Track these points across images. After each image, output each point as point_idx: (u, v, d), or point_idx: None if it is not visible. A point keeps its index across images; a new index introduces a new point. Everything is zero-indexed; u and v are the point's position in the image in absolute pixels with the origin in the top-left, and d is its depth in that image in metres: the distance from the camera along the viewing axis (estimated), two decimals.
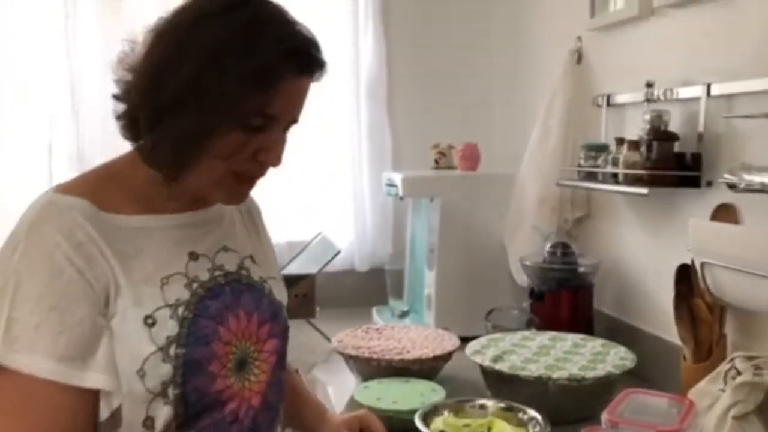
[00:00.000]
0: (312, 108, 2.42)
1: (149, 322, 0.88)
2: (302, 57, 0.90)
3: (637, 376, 1.53)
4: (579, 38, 1.91)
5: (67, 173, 2.16)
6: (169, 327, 0.89)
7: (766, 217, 1.23)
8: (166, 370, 0.88)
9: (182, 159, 0.90)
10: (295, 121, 0.95)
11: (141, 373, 0.87)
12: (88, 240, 0.86)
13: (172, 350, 0.88)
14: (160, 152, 0.91)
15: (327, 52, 0.94)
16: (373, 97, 2.39)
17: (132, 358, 0.87)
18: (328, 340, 1.84)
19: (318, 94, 2.48)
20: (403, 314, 2.16)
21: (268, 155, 0.91)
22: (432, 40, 2.45)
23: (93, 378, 0.84)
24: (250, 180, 0.95)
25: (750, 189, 1.20)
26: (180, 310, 0.90)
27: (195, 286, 0.93)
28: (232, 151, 0.90)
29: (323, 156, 2.39)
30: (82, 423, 0.85)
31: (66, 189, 0.90)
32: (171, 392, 0.88)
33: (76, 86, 2.16)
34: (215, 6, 0.88)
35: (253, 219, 1.13)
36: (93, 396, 0.86)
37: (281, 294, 1.08)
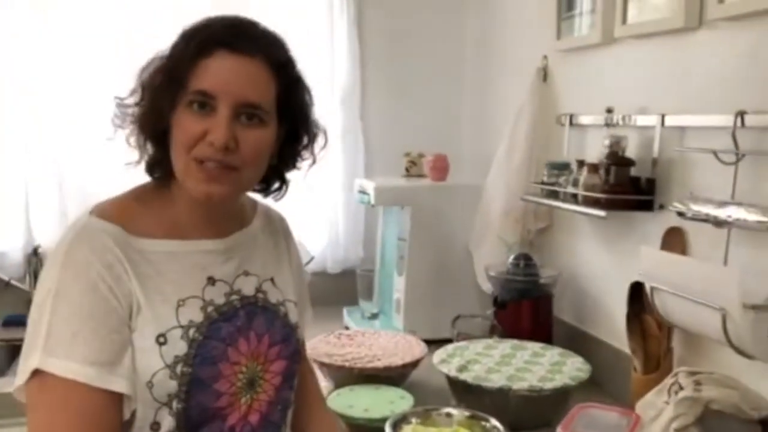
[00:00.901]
0: None
1: (161, 340, 0.97)
2: (206, 37, 0.98)
3: (593, 383, 1.64)
4: (545, 57, 2.00)
5: (45, 175, 2.21)
6: (178, 347, 0.97)
7: (711, 242, 1.34)
8: (172, 385, 0.96)
9: (157, 155, 1.02)
10: (247, 104, 0.98)
11: (150, 385, 0.95)
12: (116, 261, 0.96)
13: (179, 369, 0.97)
14: (144, 157, 1.03)
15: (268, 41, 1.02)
16: (347, 105, 2.45)
17: (144, 370, 0.95)
18: None
19: None
20: (373, 316, 2.25)
21: (213, 134, 0.96)
22: (405, 51, 2.53)
23: (118, 383, 0.93)
24: (209, 165, 0.97)
25: (696, 218, 1.30)
26: (191, 332, 0.99)
27: (210, 309, 1.02)
28: (185, 135, 0.97)
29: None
30: (110, 422, 0.94)
31: (101, 214, 1.00)
32: (175, 405, 0.97)
33: (57, 88, 2.19)
34: None
35: (283, 242, 1.20)
36: (118, 398, 0.94)
37: (296, 316, 1.14)
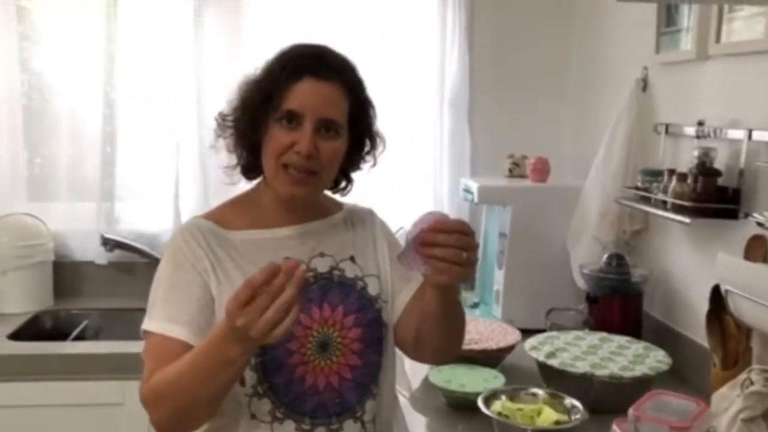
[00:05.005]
0: (400, 114, 2.73)
1: None
2: (297, 64, 1.21)
3: (677, 376, 1.77)
4: (645, 68, 2.10)
5: (192, 169, 2.55)
6: None
7: None
8: None
9: (251, 160, 1.27)
10: (326, 120, 1.21)
11: None
12: (198, 247, 1.23)
13: None
14: (242, 162, 1.29)
15: (350, 62, 1.27)
16: (456, 106, 2.64)
17: None
18: None
19: (406, 102, 2.79)
20: (474, 305, 2.44)
21: (300, 145, 1.19)
22: (512, 57, 2.70)
23: (188, 335, 1.18)
24: (294, 170, 1.20)
25: None
26: None
27: None
28: (276, 145, 1.20)
29: (409, 158, 2.67)
30: None
31: (203, 215, 1.32)
32: (253, 360, 1.18)
33: (201, 96, 2.52)
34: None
35: (369, 229, 1.39)
36: None
37: (378, 289, 1.32)
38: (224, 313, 1.18)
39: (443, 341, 1.33)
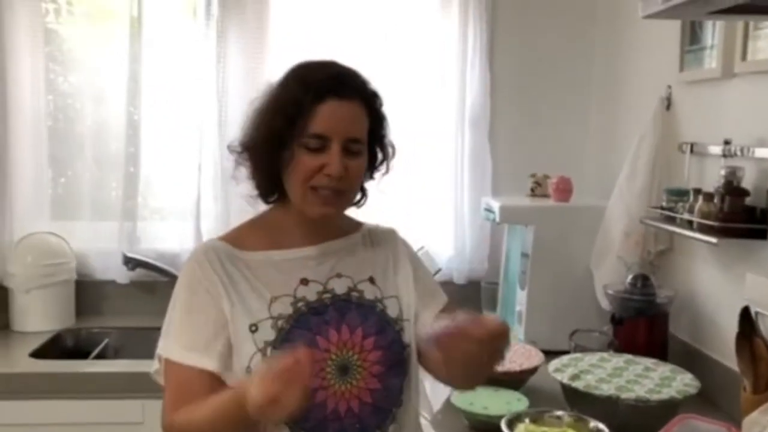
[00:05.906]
0: (421, 133, 2.72)
1: (252, 329, 1.20)
2: (319, 86, 1.19)
3: (705, 399, 1.73)
4: (669, 87, 2.08)
5: (213, 189, 2.56)
6: (267, 334, 1.19)
7: None
8: None
9: (276, 184, 1.25)
10: (351, 139, 1.20)
11: (248, 370, 1.18)
12: (212, 271, 1.22)
13: (268, 352, 1.18)
14: (262, 188, 1.27)
15: (369, 81, 1.26)
16: (477, 125, 2.63)
17: (241, 356, 1.19)
18: None
19: (426, 122, 2.79)
20: None
21: (330, 167, 1.18)
22: (533, 76, 2.68)
23: (209, 363, 1.18)
24: (324, 191, 1.20)
25: None
26: (280, 322, 1.20)
27: (300, 304, 1.23)
28: (304, 170, 1.19)
29: (429, 177, 2.66)
30: (200, 393, 1.17)
31: (220, 237, 1.31)
32: None
33: (222, 117, 2.54)
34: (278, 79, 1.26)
35: (390, 249, 1.36)
36: (211, 374, 1.18)
37: (397, 311, 1.29)
38: (239, 338, 1.18)
39: (473, 373, 1.24)
